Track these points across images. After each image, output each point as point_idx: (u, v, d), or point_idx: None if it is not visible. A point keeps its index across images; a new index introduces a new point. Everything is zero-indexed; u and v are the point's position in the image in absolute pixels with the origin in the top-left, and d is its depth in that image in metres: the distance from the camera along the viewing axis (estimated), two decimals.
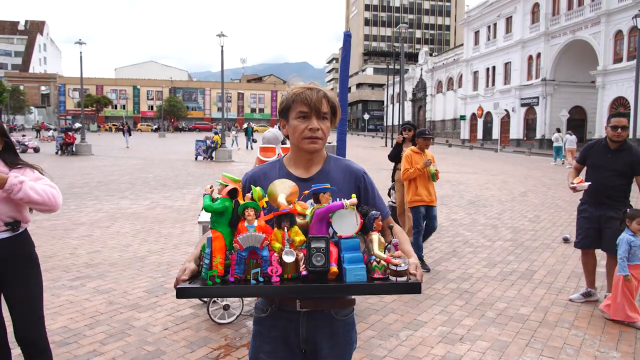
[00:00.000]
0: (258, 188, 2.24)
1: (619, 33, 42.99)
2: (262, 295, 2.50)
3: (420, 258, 8.25)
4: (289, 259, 2.07)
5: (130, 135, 49.00)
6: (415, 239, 8.20)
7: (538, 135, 53.60)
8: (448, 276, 7.86)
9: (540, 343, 5.40)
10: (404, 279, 2.09)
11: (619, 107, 42.04)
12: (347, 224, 2.17)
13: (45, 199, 3.52)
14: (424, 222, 8.34)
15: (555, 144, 34.08)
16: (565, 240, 10.20)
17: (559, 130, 36.97)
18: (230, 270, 2.08)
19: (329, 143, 7.69)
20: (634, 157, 6.27)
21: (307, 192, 2.33)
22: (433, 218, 8.34)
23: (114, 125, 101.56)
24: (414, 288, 2.08)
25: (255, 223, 2.11)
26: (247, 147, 46.00)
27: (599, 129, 44.20)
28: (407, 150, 8.57)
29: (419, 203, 8.24)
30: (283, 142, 7.07)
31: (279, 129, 2.60)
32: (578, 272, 7.94)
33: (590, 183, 6.38)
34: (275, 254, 2.08)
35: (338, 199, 2.24)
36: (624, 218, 6.05)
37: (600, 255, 6.88)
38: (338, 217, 2.17)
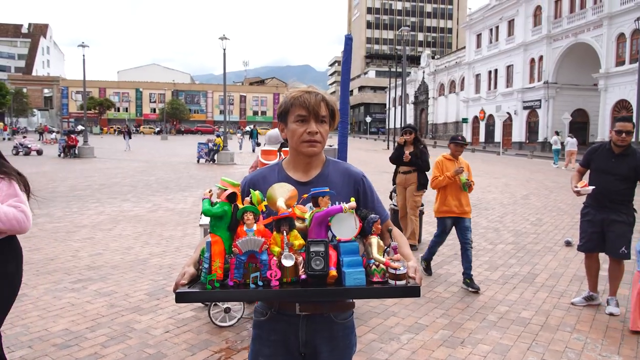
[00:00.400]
0: (257, 192, 2.24)
1: (621, 36, 43.01)
2: (262, 300, 2.50)
3: (427, 259, 8.08)
4: (288, 262, 2.06)
5: (130, 138, 48.92)
6: (431, 245, 8.02)
7: (540, 138, 53.64)
8: (450, 279, 7.85)
9: (542, 347, 5.39)
10: (403, 282, 2.08)
11: (622, 110, 42.04)
12: (346, 227, 2.16)
13: (8, 226, 3.31)
14: (447, 234, 7.81)
15: (554, 147, 34.23)
16: (568, 243, 10.18)
17: (557, 133, 37.05)
18: (229, 274, 2.08)
19: (330, 146, 7.68)
20: (639, 162, 6.25)
21: (306, 195, 2.33)
22: (465, 229, 7.52)
23: (118, 127, 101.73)
24: (413, 291, 2.07)
25: (254, 227, 2.11)
26: (253, 150, 45.87)
27: (601, 132, 44.22)
28: (440, 156, 7.93)
29: (446, 214, 7.65)
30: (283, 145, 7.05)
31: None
32: (580, 276, 7.93)
33: (594, 187, 6.34)
34: (275, 258, 2.07)
35: (337, 203, 2.25)
36: None
37: (603, 258, 6.87)
38: (337, 221, 2.17)
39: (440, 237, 7.87)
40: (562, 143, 34.86)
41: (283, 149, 6.80)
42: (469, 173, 7.68)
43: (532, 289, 7.42)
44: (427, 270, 8.08)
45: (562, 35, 50.47)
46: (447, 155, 7.84)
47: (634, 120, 6.69)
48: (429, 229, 11.50)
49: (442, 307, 6.62)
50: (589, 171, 6.69)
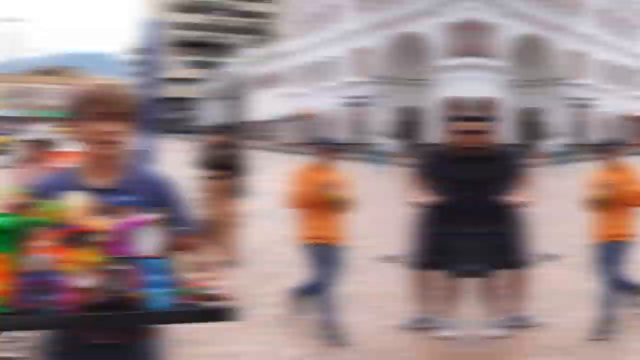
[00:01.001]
0: (48, 201, 2.16)
1: (453, 26, 44.90)
2: (53, 327, 2.37)
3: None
4: (84, 283, 2.04)
5: None
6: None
7: (369, 137, 54.95)
8: (267, 300, 7.79)
9: None
10: (215, 303, 2.12)
11: (455, 107, 43.87)
12: (151, 242, 2.16)
13: None
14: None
15: (376, 149, 35.50)
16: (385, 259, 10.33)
17: (382, 134, 38.49)
18: (16, 299, 2.02)
19: (135, 148, 7.57)
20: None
21: (105, 205, 2.26)
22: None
23: None
24: (226, 314, 2.13)
25: (45, 243, 2.07)
26: None
27: (432, 129, 46.16)
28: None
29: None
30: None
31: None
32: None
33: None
34: (69, 278, 2.04)
35: (141, 213, 2.22)
36: None
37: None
38: (141, 235, 2.15)
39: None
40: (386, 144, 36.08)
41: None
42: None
43: None
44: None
45: (390, 25, 51.92)
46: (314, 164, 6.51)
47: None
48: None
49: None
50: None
